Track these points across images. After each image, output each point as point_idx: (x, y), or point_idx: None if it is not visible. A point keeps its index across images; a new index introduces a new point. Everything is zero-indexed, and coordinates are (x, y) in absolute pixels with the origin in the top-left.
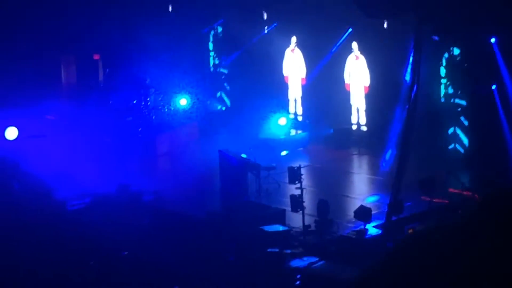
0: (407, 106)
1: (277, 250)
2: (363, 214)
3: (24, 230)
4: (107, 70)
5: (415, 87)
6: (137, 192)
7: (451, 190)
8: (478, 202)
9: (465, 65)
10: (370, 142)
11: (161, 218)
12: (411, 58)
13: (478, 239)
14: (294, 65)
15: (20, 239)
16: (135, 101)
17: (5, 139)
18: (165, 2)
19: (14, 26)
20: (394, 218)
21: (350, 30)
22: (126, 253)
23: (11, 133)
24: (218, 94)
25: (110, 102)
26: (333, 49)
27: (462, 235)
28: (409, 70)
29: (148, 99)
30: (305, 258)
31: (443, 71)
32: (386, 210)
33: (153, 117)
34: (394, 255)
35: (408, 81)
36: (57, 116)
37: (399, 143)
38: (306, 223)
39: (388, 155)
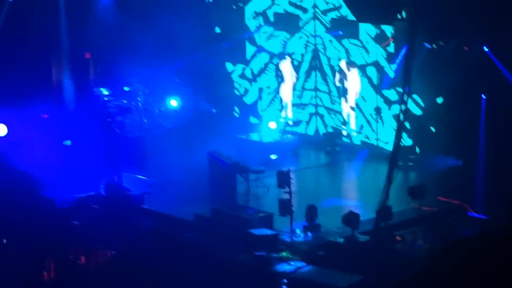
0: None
1: (264, 253)
2: (352, 219)
3: (11, 227)
4: (99, 68)
5: (406, 93)
6: (126, 192)
7: (440, 198)
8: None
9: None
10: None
11: (149, 219)
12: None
13: None
14: (286, 70)
15: (6, 237)
16: (125, 101)
17: None
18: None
19: (3, 23)
20: (382, 224)
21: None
22: (114, 252)
23: (0, 130)
24: None
25: (101, 101)
26: None
27: None
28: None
29: (138, 99)
30: (292, 263)
31: None
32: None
33: (144, 118)
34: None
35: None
36: (47, 114)
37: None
38: (294, 227)
39: None
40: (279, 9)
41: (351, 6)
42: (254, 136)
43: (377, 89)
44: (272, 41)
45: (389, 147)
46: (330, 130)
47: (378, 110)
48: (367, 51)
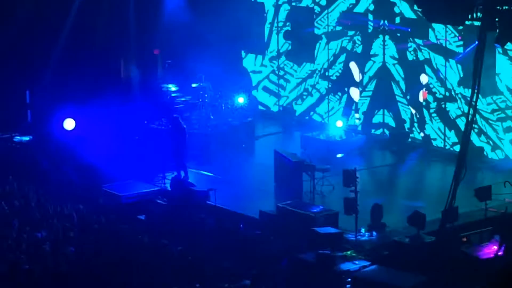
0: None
1: (328, 252)
2: (417, 219)
3: (81, 222)
4: (167, 65)
5: (475, 93)
6: (191, 188)
7: (507, 200)
8: None
9: None
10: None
11: (214, 216)
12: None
13: None
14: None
15: (74, 230)
16: (189, 97)
17: (64, 129)
18: None
19: (74, 21)
20: (448, 225)
21: None
22: (180, 248)
23: (69, 124)
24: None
25: (168, 97)
26: None
27: None
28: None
29: (205, 95)
30: (356, 262)
31: None
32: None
33: (210, 114)
34: None
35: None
36: (114, 108)
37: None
38: (359, 226)
39: None
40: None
41: (421, 6)
42: (321, 135)
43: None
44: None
45: (456, 148)
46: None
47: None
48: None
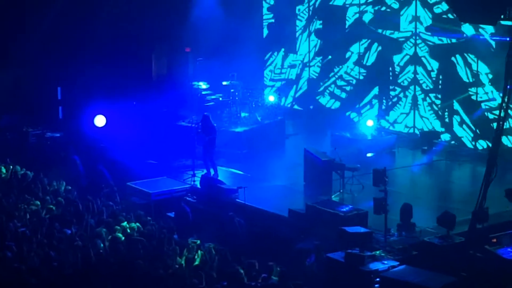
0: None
1: (357, 251)
2: (447, 220)
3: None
4: (198, 62)
5: (506, 92)
6: (221, 186)
7: None
8: None
9: None
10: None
11: (244, 214)
12: None
13: None
14: None
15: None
16: (220, 95)
17: (95, 126)
18: None
19: (110, 20)
20: (478, 226)
21: None
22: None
23: (100, 120)
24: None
25: (199, 95)
26: None
27: None
28: None
29: (236, 93)
30: (385, 261)
31: None
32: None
33: (241, 112)
34: None
35: None
36: (145, 105)
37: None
38: (389, 226)
39: None
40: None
41: (453, 5)
42: (351, 134)
43: None
44: None
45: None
46: (426, 129)
47: None
48: None
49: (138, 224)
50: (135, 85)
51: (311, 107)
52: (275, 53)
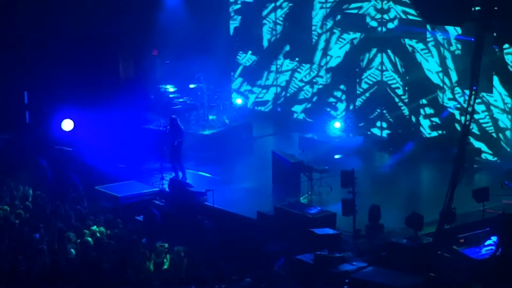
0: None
1: (326, 253)
2: (415, 221)
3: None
4: (165, 66)
5: (473, 93)
6: (189, 189)
7: (505, 201)
8: None
9: None
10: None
11: (212, 217)
12: None
13: None
14: None
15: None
16: (187, 98)
17: (62, 130)
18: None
19: (76, 23)
20: (446, 226)
21: None
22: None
23: (67, 124)
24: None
25: (166, 98)
26: None
27: None
28: None
29: (204, 96)
30: (354, 263)
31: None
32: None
33: (208, 115)
34: None
35: None
36: (112, 109)
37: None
38: (357, 227)
39: None
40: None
41: (420, 7)
42: (318, 136)
43: None
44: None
45: None
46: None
47: None
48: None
49: (105, 228)
50: (103, 89)
51: (279, 109)
52: (243, 55)
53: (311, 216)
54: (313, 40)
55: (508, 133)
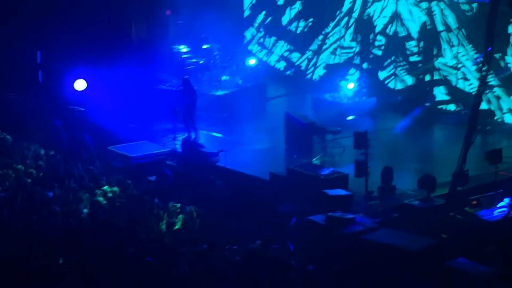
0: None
1: (338, 214)
2: (427, 182)
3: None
4: (178, 26)
5: (488, 53)
6: (201, 149)
7: None
8: None
9: None
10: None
11: (225, 178)
12: None
13: None
14: None
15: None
16: (201, 59)
17: (75, 90)
18: None
19: None
20: (458, 188)
21: None
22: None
23: (80, 85)
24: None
25: (179, 58)
26: None
27: None
28: None
29: (216, 57)
30: (366, 224)
31: None
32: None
33: (221, 76)
34: None
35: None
36: (125, 69)
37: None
38: (369, 189)
39: None
40: None
41: None
42: (332, 96)
43: None
44: None
45: None
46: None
47: None
48: None
49: (118, 188)
50: (115, 49)
51: (293, 69)
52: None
53: (324, 177)
54: None
55: None
